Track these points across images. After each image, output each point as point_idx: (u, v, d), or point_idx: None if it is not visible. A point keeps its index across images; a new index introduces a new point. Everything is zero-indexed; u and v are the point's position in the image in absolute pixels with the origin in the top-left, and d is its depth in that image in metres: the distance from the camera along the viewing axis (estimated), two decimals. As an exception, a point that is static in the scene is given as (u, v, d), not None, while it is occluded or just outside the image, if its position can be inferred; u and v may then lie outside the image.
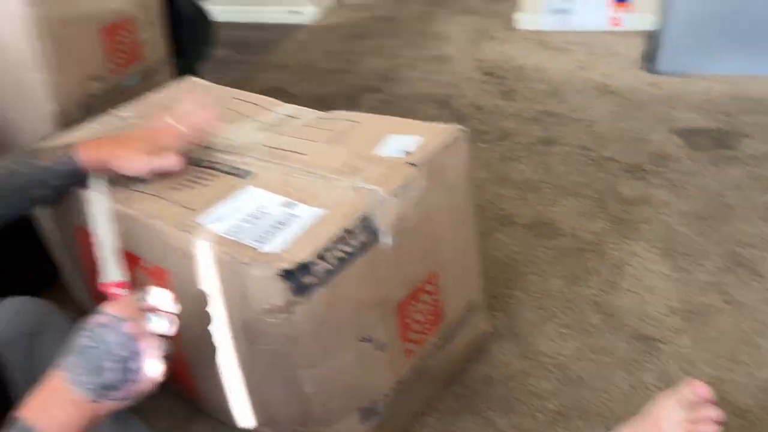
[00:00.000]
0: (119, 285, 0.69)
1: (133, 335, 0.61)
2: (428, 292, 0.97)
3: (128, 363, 0.61)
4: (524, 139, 1.85)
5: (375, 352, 0.89)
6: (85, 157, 0.91)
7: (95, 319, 0.62)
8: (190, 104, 0.97)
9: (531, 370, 1.13)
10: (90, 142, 0.94)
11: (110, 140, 0.95)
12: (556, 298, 1.29)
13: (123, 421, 1.03)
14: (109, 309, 0.63)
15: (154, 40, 1.38)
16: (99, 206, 0.77)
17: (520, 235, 1.47)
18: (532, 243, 1.44)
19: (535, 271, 1.36)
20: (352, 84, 2.33)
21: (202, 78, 1.33)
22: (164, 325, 0.65)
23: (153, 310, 0.65)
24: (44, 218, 1.11)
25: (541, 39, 2.50)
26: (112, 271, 0.70)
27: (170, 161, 0.93)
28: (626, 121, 1.88)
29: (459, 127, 0.97)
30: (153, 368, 0.62)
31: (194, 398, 1.07)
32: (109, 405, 0.61)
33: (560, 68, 2.25)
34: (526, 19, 2.59)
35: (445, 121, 1.04)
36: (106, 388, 0.60)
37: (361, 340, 0.87)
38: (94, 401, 0.59)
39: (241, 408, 0.94)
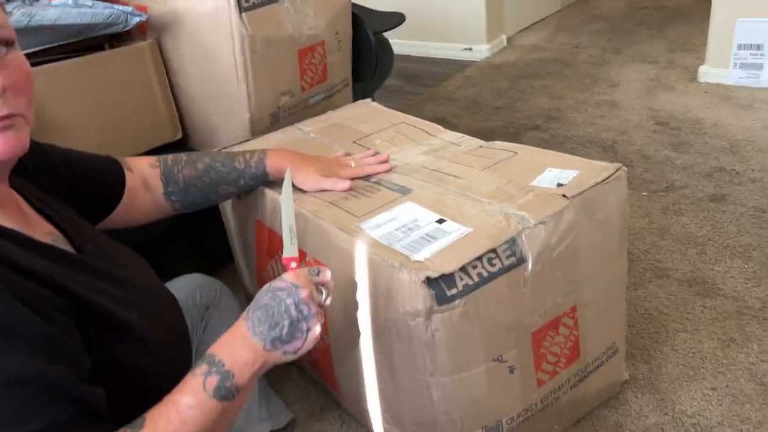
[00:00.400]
0: (296, 260, 0.81)
1: (305, 301, 0.72)
2: (567, 326, 0.97)
3: (299, 323, 0.72)
4: (692, 193, 1.77)
5: (506, 374, 0.92)
6: (272, 165, 1.07)
7: (277, 284, 0.74)
8: (370, 157, 1.13)
9: (667, 426, 1.08)
10: (278, 152, 1.09)
11: (295, 155, 1.10)
12: (707, 359, 1.21)
13: (268, 398, 1.15)
14: (288, 277, 0.74)
15: (339, 64, 1.53)
16: (287, 194, 0.92)
17: (674, 289, 1.41)
18: (687, 299, 1.37)
19: (686, 328, 1.30)
20: (515, 121, 2.36)
21: (376, 102, 1.45)
22: (328, 299, 0.76)
23: (321, 284, 0.76)
24: (228, 209, 1.27)
25: (725, 94, 2.37)
26: (291, 248, 0.82)
27: (337, 186, 1.06)
28: (813, 186, 1.73)
29: (619, 165, 0.98)
30: (316, 331, 0.73)
31: (332, 388, 1.15)
32: (278, 356, 0.72)
33: (742, 125, 2.12)
34: (711, 73, 2.47)
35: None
36: (278, 341, 0.71)
37: (493, 360, 0.90)
38: (267, 350, 0.71)
39: (372, 403, 1.01)
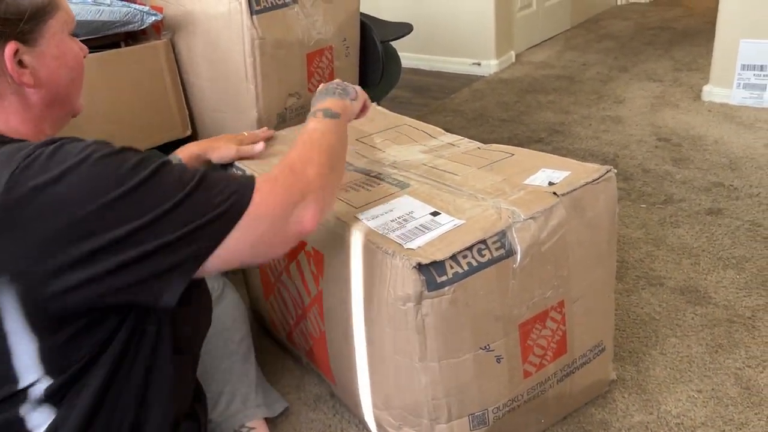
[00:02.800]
0: None
1: (346, 84, 1.08)
2: (554, 320, 1.00)
3: (346, 87, 1.07)
4: (689, 206, 1.80)
5: (493, 363, 0.95)
6: (185, 155, 1.16)
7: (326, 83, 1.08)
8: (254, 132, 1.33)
9: (652, 425, 1.11)
10: (190, 144, 1.20)
11: (201, 141, 1.23)
12: (694, 363, 1.24)
13: (264, 388, 1.18)
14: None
15: (346, 68, 1.58)
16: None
17: (666, 296, 1.44)
18: (679, 306, 1.40)
19: (676, 333, 1.32)
20: (520, 133, 2.41)
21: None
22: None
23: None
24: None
25: (728, 113, 2.41)
26: None
27: (255, 149, 1.21)
28: (810, 203, 1.75)
29: (609, 168, 1.01)
30: (361, 90, 1.12)
31: (326, 376, 1.19)
32: (348, 102, 1.04)
33: (743, 144, 2.15)
34: (715, 92, 2.51)
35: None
36: (345, 94, 1.05)
37: (481, 348, 0.93)
38: (344, 101, 1.03)
39: (363, 389, 1.04)
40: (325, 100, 1.01)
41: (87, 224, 0.65)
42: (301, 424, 1.19)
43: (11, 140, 0.75)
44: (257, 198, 0.74)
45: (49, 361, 0.71)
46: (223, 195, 0.71)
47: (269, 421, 1.16)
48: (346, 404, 1.20)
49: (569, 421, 1.13)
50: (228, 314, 1.19)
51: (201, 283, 0.89)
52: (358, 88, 1.11)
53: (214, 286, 1.19)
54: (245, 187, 0.74)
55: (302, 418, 1.20)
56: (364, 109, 1.13)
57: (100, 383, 0.74)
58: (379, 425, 1.06)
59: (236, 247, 0.72)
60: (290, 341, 1.27)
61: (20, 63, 0.76)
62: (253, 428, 1.11)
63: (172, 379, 0.81)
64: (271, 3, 1.37)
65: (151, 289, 0.69)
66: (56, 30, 0.79)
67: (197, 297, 0.88)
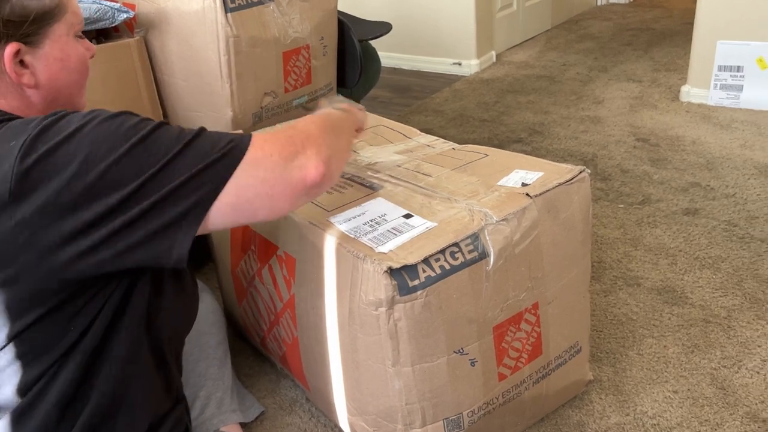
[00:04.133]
0: None
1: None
2: (529, 322, 1.00)
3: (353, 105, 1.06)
4: (667, 207, 1.80)
5: (467, 367, 0.94)
6: None
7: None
8: None
9: (628, 426, 1.11)
10: None
11: None
12: (671, 363, 1.24)
13: (240, 393, 1.17)
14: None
15: (324, 68, 1.57)
16: None
17: (643, 297, 1.44)
18: (656, 307, 1.40)
19: (653, 334, 1.32)
20: (499, 134, 2.40)
21: (359, 106, 1.49)
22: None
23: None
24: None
25: (705, 113, 2.42)
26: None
27: None
28: (785, 202, 1.77)
29: (582, 168, 1.01)
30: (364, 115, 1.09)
31: (300, 382, 1.17)
32: (356, 110, 1.03)
33: (721, 144, 2.16)
34: (693, 93, 2.53)
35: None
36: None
37: (455, 351, 0.92)
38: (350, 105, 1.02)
39: (338, 395, 1.03)
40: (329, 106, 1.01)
41: (98, 181, 0.67)
42: (276, 428, 1.17)
43: (18, 117, 0.76)
44: (256, 143, 0.75)
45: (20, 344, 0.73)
46: (222, 142, 0.74)
47: (244, 426, 1.14)
48: (321, 410, 1.18)
49: (546, 422, 1.13)
50: (205, 318, 1.17)
51: (186, 276, 0.90)
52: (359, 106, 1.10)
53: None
54: (243, 137, 0.76)
55: (278, 423, 1.18)
56: (359, 129, 1.09)
57: (75, 371, 0.75)
58: (353, 431, 1.05)
59: (238, 192, 0.72)
60: (264, 347, 1.26)
61: (22, 63, 0.77)
62: (228, 433, 1.10)
63: (151, 374, 0.83)
64: (246, 1, 1.35)
65: (161, 243, 0.71)
66: (62, 33, 0.80)
67: (182, 288, 0.89)
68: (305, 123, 0.84)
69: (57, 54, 0.79)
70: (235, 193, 0.72)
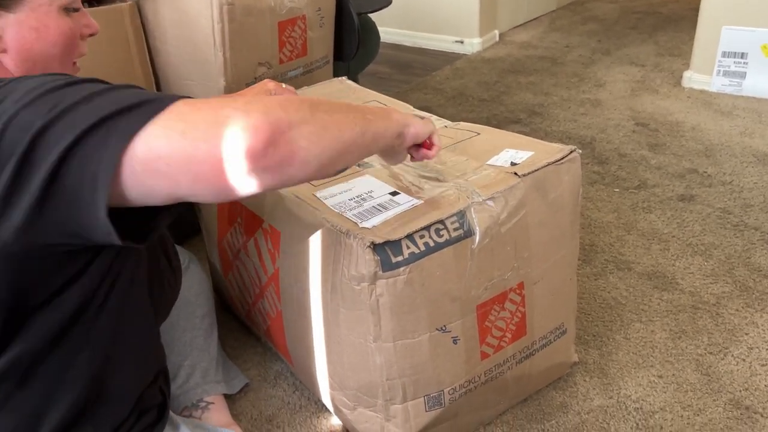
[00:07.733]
0: None
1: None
2: (513, 302, 0.99)
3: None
4: (663, 192, 1.79)
5: (449, 344, 0.94)
6: None
7: None
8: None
9: (611, 408, 1.11)
10: None
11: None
12: (657, 348, 1.24)
13: (225, 365, 1.17)
14: None
15: (320, 40, 1.54)
16: None
17: (634, 281, 1.43)
18: (645, 292, 1.40)
19: (641, 319, 1.32)
20: (498, 114, 2.38)
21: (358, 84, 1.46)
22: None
23: None
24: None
25: (707, 100, 2.40)
26: None
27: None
28: (781, 191, 1.76)
29: (573, 147, 1.00)
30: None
31: (284, 356, 1.17)
32: (413, 117, 0.81)
33: (720, 131, 2.14)
34: (695, 78, 2.50)
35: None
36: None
37: (437, 329, 0.92)
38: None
39: (320, 369, 1.02)
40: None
41: (15, 133, 0.57)
42: (260, 400, 1.17)
43: None
44: (187, 100, 0.60)
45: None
46: (149, 95, 0.60)
47: (228, 397, 1.14)
48: (304, 384, 1.18)
49: (529, 403, 1.13)
50: (192, 289, 1.16)
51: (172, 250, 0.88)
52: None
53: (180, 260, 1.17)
54: (176, 95, 0.62)
55: (261, 395, 1.19)
56: (427, 143, 0.86)
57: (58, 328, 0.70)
58: (335, 406, 1.05)
59: (156, 143, 0.57)
60: (249, 320, 1.25)
61: None
62: (212, 403, 1.10)
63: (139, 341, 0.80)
64: (241, -31, 1.32)
65: (78, 209, 0.57)
66: (42, 2, 0.76)
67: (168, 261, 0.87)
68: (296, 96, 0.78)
69: (32, 23, 0.76)
70: (153, 145, 0.57)
